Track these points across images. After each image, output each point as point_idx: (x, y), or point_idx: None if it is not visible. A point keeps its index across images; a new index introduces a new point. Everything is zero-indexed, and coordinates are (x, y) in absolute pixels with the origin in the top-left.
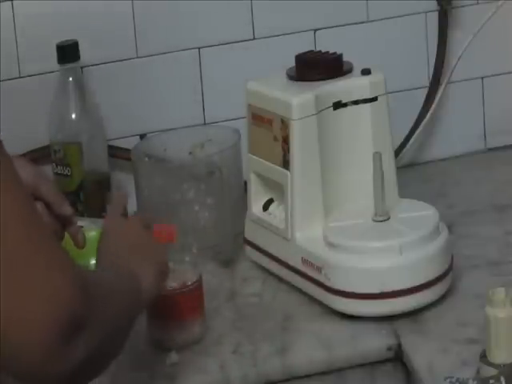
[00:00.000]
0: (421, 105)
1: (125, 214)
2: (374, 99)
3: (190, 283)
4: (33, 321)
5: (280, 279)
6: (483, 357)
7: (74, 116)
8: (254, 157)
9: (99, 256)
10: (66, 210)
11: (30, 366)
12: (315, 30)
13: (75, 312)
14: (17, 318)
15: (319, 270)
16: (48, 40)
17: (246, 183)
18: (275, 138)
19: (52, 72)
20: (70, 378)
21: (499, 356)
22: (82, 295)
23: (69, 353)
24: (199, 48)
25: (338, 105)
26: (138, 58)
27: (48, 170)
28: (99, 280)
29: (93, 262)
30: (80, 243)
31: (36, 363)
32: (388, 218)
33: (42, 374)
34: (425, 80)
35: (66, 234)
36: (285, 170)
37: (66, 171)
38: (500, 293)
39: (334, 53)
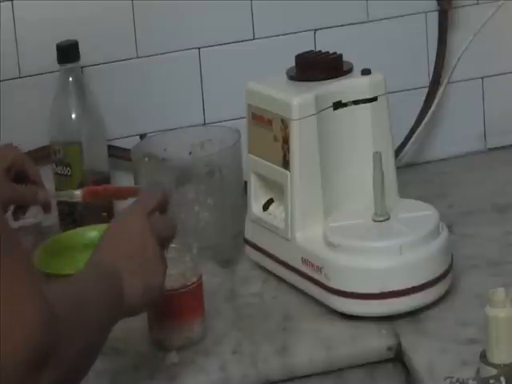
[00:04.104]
0: (421, 105)
1: (163, 211)
2: (374, 99)
3: (189, 283)
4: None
5: (280, 279)
6: (483, 357)
7: (74, 116)
8: (254, 157)
9: (95, 249)
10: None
11: None
12: (315, 30)
13: (43, 340)
14: None
15: (319, 269)
16: (48, 40)
17: (246, 183)
18: (275, 138)
19: (52, 72)
20: None
21: (499, 356)
22: (49, 322)
23: (38, 380)
24: (199, 48)
25: (338, 105)
26: (137, 58)
27: (48, 170)
28: (69, 298)
29: None
30: (49, 210)
31: None
32: (388, 218)
33: None
34: (425, 80)
35: (43, 250)
36: (285, 170)
37: (66, 171)
38: (500, 293)
39: (334, 53)
